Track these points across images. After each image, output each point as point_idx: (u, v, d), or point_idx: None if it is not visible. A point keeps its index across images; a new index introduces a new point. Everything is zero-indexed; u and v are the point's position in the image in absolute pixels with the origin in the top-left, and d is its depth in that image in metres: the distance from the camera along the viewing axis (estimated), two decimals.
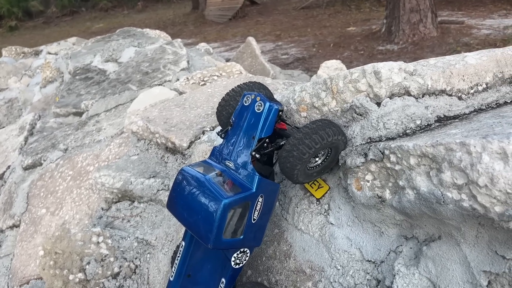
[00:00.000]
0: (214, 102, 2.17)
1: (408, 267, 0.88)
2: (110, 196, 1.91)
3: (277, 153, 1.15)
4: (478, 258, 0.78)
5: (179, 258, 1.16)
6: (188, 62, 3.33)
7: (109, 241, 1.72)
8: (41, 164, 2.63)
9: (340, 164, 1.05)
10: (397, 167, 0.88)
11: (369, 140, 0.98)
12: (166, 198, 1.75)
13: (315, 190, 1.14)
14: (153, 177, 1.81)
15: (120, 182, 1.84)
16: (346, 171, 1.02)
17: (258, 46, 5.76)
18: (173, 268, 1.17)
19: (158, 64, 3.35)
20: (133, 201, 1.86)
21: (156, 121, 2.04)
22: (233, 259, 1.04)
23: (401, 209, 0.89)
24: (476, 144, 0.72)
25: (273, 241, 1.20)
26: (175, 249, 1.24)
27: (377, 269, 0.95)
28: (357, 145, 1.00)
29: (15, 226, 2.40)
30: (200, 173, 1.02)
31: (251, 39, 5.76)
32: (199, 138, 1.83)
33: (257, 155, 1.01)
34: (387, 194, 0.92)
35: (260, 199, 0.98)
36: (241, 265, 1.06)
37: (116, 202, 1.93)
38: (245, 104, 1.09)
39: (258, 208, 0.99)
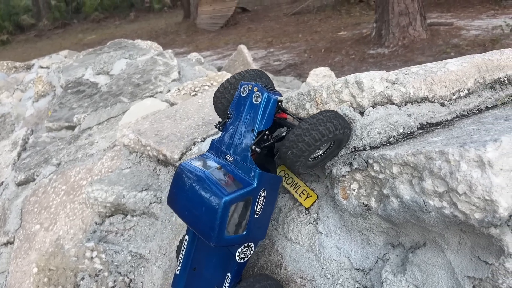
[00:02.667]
0: (205, 113, 2.18)
1: (395, 275, 0.89)
2: (103, 210, 1.91)
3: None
4: (462, 264, 0.80)
5: (183, 251, 1.15)
6: (179, 72, 3.34)
7: (103, 255, 1.72)
8: (34, 180, 2.62)
9: (326, 174, 1.06)
10: (381, 176, 0.90)
11: (353, 149, 1.00)
12: (159, 211, 1.75)
13: (304, 200, 1.15)
14: (146, 190, 1.82)
15: (112, 196, 1.85)
16: (332, 180, 1.04)
17: (249, 54, 5.80)
18: (178, 261, 1.16)
19: (150, 76, 3.36)
20: (126, 215, 1.86)
21: (147, 133, 2.05)
22: (237, 254, 1.02)
23: (386, 217, 0.91)
24: (454, 153, 0.74)
25: (264, 252, 1.21)
26: (178, 243, 1.23)
27: (365, 277, 0.96)
28: (342, 154, 1.01)
29: (9, 243, 2.39)
30: (199, 168, 0.99)
31: (242, 47, 5.80)
32: (190, 149, 1.84)
33: (257, 149, 0.97)
34: (373, 203, 0.94)
35: (262, 193, 0.96)
36: (246, 259, 1.04)
37: (109, 216, 1.94)
38: (242, 95, 1.04)
39: (260, 202, 0.96)
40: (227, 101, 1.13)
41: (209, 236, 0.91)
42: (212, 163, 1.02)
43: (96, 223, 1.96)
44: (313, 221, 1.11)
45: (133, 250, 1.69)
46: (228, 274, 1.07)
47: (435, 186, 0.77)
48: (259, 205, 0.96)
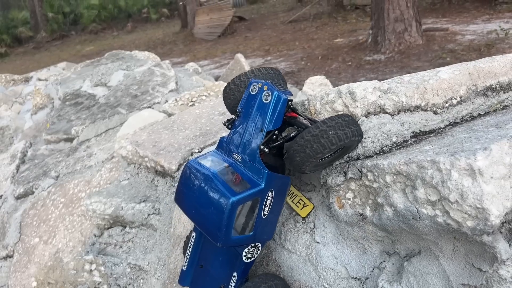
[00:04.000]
0: (202, 123, 2.20)
1: (391, 283, 0.89)
2: (102, 222, 1.91)
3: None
4: (456, 271, 0.80)
5: (190, 248, 1.14)
6: (176, 83, 3.36)
7: (102, 268, 1.72)
8: (33, 193, 2.62)
9: (322, 183, 1.07)
10: (375, 185, 0.91)
11: (347, 158, 1.00)
12: (157, 222, 1.76)
13: (300, 209, 1.16)
14: (144, 201, 1.82)
15: (111, 208, 1.85)
16: (328, 190, 1.05)
17: (247, 62, 5.83)
18: (185, 258, 1.15)
19: (147, 87, 3.38)
20: (125, 227, 1.86)
21: (145, 144, 2.06)
22: (244, 253, 1.01)
23: (381, 226, 0.91)
24: (445, 162, 0.75)
25: (262, 262, 1.21)
26: (185, 239, 1.22)
27: (362, 286, 0.97)
28: (336, 164, 1.02)
29: (8, 256, 2.39)
30: (207, 167, 0.98)
31: (239, 56, 5.83)
32: (188, 159, 1.85)
33: (266, 149, 0.95)
34: (368, 211, 0.95)
35: (270, 194, 0.95)
36: (252, 259, 1.04)
37: (108, 228, 1.94)
38: (252, 93, 1.02)
39: (268, 203, 0.95)
40: (236, 99, 1.10)
41: (216, 236, 0.90)
42: (220, 162, 1.01)
43: (95, 236, 1.97)
44: (310, 231, 1.12)
45: (132, 262, 1.69)
46: (235, 273, 1.06)
47: (427, 195, 0.78)
48: (267, 206, 0.95)
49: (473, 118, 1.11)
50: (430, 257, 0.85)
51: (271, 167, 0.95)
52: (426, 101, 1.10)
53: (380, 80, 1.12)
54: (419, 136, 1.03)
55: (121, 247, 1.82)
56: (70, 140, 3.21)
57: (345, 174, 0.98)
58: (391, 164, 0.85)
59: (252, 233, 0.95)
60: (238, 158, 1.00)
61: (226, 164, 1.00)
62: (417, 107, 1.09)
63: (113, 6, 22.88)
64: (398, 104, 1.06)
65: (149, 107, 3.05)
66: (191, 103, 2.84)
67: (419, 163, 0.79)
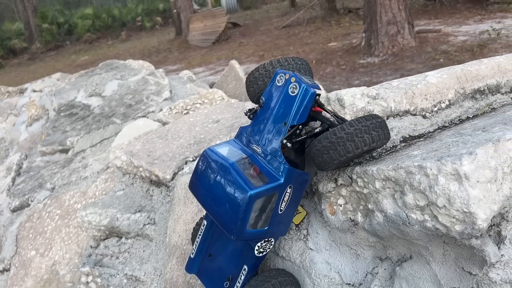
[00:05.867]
0: (196, 131, 2.20)
1: None
2: (97, 233, 1.91)
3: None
4: (447, 275, 0.81)
5: (200, 236, 1.12)
6: (170, 91, 3.37)
7: (98, 280, 1.72)
8: (28, 205, 2.62)
9: (314, 190, 1.08)
10: (365, 191, 0.91)
11: None
12: (153, 232, 1.76)
13: (294, 216, 1.16)
14: (139, 211, 1.82)
15: (106, 219, 1.85)
16: (319, 196, 1.05)
17: (241, 69, 5.84)
18: (194, 245, 1.14)
19: (141, 96, 3.39)
20: (121, 237, 1.86)
21: (140, 154, 2.06)
22: (256, 247, 0.99)
23: (373, 232, 0.92)
24: (432, 167, 0.76)
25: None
26: (195, 225, 1.21)
27: None
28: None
29: (5, 270, 2.38)
30: (225, 156, 0.95)
31: (233, 62, 5.85)
32: (182, 168, 1.85)
33: (289, 144, 0.92)
34: (359, 217, 0.95)
35: (289, 190, 0.92)
36: (264, 253, 1.02)
37: (104, 239, 1.94)
38: (278, 84, 0.98)
39: (286, 199, 0.93)
40: (259, 88, 1.06)
41: (230, 229, 0.88)
42: (238, 152, 0.97)
43: (91, 247, 1.96)
44: (303, 238, 1.12)
45: (129, 273, 1.69)
46: (245, 266, 1.04)
47: (416, 200, 0.79)
48: (284, 202, 0.93)
49: (461, 121, 1.12)
50: (421, 262, 0.86)
51: (290, 162, 0.93)
52: (415, 106, 1.11)
53: (374, 83, 1.13)
54: (408, 140, 1.04)
55: (117, 258, 1.82)
56: (66, 151, 3.21)
57: (336, 180, 0.99)
58: (380, 170, 0.86)
59: (267, 227, 0.92)
60: (258, 150, 0.96)
61: (244, 155, 0.97)
62: (406, 112, 1.10)
63: (107, 15, 22.94)
64: (387, 110, 1.07)
65: (144, 116, 3.05)
66: (185, 111, 2.84)
67: (407, 169, 0.80)
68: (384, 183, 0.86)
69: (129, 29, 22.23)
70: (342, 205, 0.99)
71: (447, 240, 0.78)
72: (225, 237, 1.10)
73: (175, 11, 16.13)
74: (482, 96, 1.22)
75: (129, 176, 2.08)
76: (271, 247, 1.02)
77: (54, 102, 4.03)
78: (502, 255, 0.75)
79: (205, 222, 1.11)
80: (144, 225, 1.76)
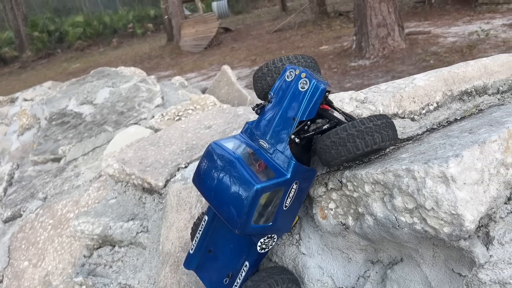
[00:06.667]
0: (188, 138, 2.20)
1: None
2: (90, 242, 1.90)
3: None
4: (437, 277, 0.81)
5: (200, 231, 1.11)
6: (162, 98, 3.37)
7: None
8: (20, 215, 2.60)
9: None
10: (355, 195, 0.92)
11: (328, 169, 1.02)
12: (146, 240, 1.75)
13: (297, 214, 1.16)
14: (132, 219, 1.81)
15: (99, 228, 1.84)
16: (310, 201, 1.06)
17: (233, 74, 5.85)
18: (194, 241, 1.13)
19: (133, 103, 3.38)
20: (114, 246, 1.85)
21: (132, 162, 2.05)
22: (259, 244, 0.98)
23: (363, 235, 0.92)
24: (419, 170, 0.76)
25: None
26: (195, 221, 1.20)
27: None
28: (317, 175, 1.03)
29: None
30: (231, 151, 0.95)
31: (226, 67, 5.86)
32: (175, 175, 1.85)
33: (297, 140, 0.92)
34: (350, 221, 0.96)
35: (295, 186, 0.92)
36: (266, 250, 1.01)
37: (97, 248, 1.92)
38: (287, 80, 0.97)
39: (291, 195, 0.92)
40: (267, 84, 1.06)
41: (235, 223, 0.87)
42: (244, 147, 0.97)
43: (84, 256, 1.95)
44: (296, 242, 1.13)
45: (122, 281, 1.68)
46: (247, 263, 1.03)
47: (405, 203, 0.79)
48: (290, 198, 0.92)
49: (449, 123, 1.13)
50: (412, 264, 0.86)
51: (296, 158, 0.92)
52: (403, 109, 1.12)
53: (366, 85, 1.14)
54: (397, 143, 1.05)
55: (110, 267, 1.80)
56: (58, 160, 3.19)
57: (326, 184, 0.99)
58: (369, 174, 0.86)
59: (271, 223, 0.92)
60: (265, 145, 0.96)
61: (250, 150, 0.96)
62: (395, 115, 1.11)
63: (98, 22, 22.90)
64: (376, 113, 1.07)
65: (136, 123, 3.05)
66: (177, 118, 2.84)
67: (395, 172, 0.81)
68: (373, 186, 0.86)
69: (121, 36, 22.20)
70: (333, 209, 0.99)
71: (437, 242, 0.79)
72: (227, 233, 1.09)
73: (166, 17, 16.15)
74: (470, 97, 1.24)
75: (122, 184, 2.07)
76: (273, 244, 1.01)
77: (46, 110, 4.01)
78: (490, 255, 0.75)
79: (206, 217, 1.10)
80: (137, 233, 1.75)
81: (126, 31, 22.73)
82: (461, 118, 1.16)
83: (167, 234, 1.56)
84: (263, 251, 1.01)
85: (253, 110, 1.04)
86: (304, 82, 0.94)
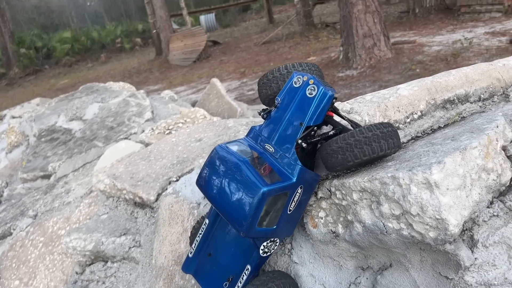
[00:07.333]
0: (179, 151, 2.21)
1: None
2: (83, 259, 1.89)
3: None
4: (425, 281, 0.84)
5: (200, 235, 1.11)
6: (152, 112, 3.38)
7: None
8: (11, 234, 2.57)
9: None
10: (344, 203, 0.94)
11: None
12: (139, 255, 1.75)
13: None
14: (124, 234, 1.81)
15: (91, 244, 1.83)
16: None
17: (223, 86, 5.89)
18: (193, 245, 1.13)
19: (123, 118, 3.38)
20: (107, 262, 1.84)
21: (123, 177, 2.06)
22: (262, 247, 0.99)
23: (353, 242, 0.94)
24: (404, 177, 0.79)
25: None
26: (195, 225, 1.20)
27: None
28: None
29: None
30: (238, 154, 0.96)
31: (215, 80, 5.89)
32: (166, 189, 1.86)
33: (304, 144, 0.94)
34: (340, 229, 0.98)
35: (299, 190, 0.93)
36: (268, 253, 1.02)
37: (89, 265, 1.91)
38: (295, 86, 0.99)
39: (296, 199, 0.93)
40: (272, 90, 1.08)
41: (240, 225, 0.88)
42: (249, 150, 0.99)
43: (76, 273, 1.94)
44: (288, 252, 1.14)
45: None
46: (248, 266, 1.04)
47: (391, 209, 0.82)
48: (294, 202, 0.93)
49: (433, 131, 1.16)
50: (400, 269, 0.88)
51: (301, 163, 0.94)
52: (388, 118, 1.15)
53: (354, 95, 1.17)
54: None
55: (103, 283, 1.80)
56: (47, 177, 3.17)
57: (316, 194, 1.01)
58: (356, 182, 0.89)
59: (275, 227, 0.93)
60: (271, 150, 0.97)
61: (255, 153, 0.98)
62: None
63: (86, 38, 22.88)
64: (361, 123, 1.10)
65: (126, 138, 3.05)
66: (168, 131, 2.85)
67: (381, 180, 0.83)
68: (361, 194, 0.89)
69: (109, 51, 22.19)
70: (323, 218, 1.01)
71: (423, 246, 0.81)
72: (228, 237, 1.10)
73: (154, 31, 16.20)
74: (452, 105, 1.27)
75: (113, 199, 2.07)
76: (275, 247, 1.03)
77: (34, 127, 3.99)
78: (475, 258, 0.78)
79: (207, 221, 1.11)
80: (130, 248, 1.75)
81: (114, 46, 22.73)
82: (444, 125, 1.19)
83: (160, 248, 1.56)
84: (265, 254, 1.02)
85: (259, 114, 1.06)
86: (312, 88, 0.96)
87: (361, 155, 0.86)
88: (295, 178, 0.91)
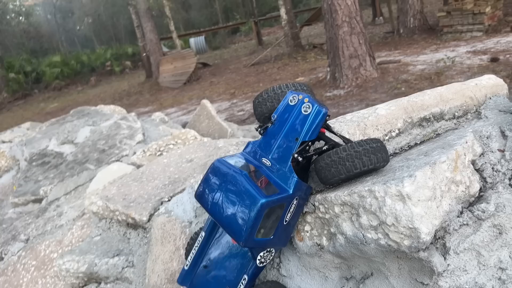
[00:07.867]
0: (171, 172, 2.26)
1: None
2: (76, 281, 1.91)
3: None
4: (404, 287, 0.89)
5: (196, 247, 1.15)
6: (143, 134, 3.43)
7: None
8: (2, 259, 2.57)
9: None
10: (327, 216, 1.00)
11: None
12: (132, 275, 1.78)
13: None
14: (117, 255, 1.84)
15: (84, 266, 1.86)
16: None
17: (213, 107, 5.97)
18: (189, 257, 1.16)
19: (114, 140, 3.43)
20: (100, 283, 1.87)
21: (115, 198, 2.10)
22: (259, 257, 1.04)
23: (337, 253, 1.00)
24: (379, 190, 0.86)
25: None
26: (189, 240, 1.23)
27: None
28: None
29: None
30: (236, 167, 1.01)
31: (205, 102, 5.98)
32: (158, 209, 1.90)
33: (300, 158, 1.00)
34: (324, 241, 1.03)
35: (295, 202, 0.99)
36: (264, 263, 1.06)
37: (83, 286, 1.93)
38: (291, 104, 1.06)
39: (291, 210, 0.99)
40: (268, 109, 1.15)
41: (239, 235, 0.92)
42: (247, 164, 1.04)
43: None
44: (276, 266, 1.19)
45: None
46: (245, 276, 1.08)
47: (369, 221, 0.88)
48: (290, 213, 0.99)
49: (410, 147, 1.24)
50: (381, 277, 0.94)
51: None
52: (368, 136, 1.23)
53: (342, 114, 1.24)
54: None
55: None
56: (39, 201, 3.18)
57: None
58: (337, 196, 0.95)
59: (272, 237, 0.97)
60: (267, 163, 1.03)
61: (252, 167, 1.03)
62: None
63: (75, 62, 22.97)
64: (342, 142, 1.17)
65: (118, 160, 3.09)
66: (159, 153, 2.90)
67: (359, 193, 0.90)
68: (342, 207, 0.95)
69: (99, 74, 22.28)
70: (309, 231, 1.07)
71: (400, 255, 0.88)
72: (224, 249, 1.15)
73: (144, 54, 16.37)
74: (428, 123, 1.36)
75: (106, 221, 2.10)
76: (271, 257, 1.08)
77: (25, 151, 4.01)
78: (448, 264, 0.84)
79: (203, 233, 1.16)
80: (123, 268, 1.78)
81: (104, 69, 22.85)
82: (420, 142, 1.27)
83: (152, 267, 1.59)
84: (261, 264, 1.07)
85: (257, 130, 1.13)
86: (307, 106, 1.03)
87: (352, 168, 0.93)
88: (291, 190, 0.97)
